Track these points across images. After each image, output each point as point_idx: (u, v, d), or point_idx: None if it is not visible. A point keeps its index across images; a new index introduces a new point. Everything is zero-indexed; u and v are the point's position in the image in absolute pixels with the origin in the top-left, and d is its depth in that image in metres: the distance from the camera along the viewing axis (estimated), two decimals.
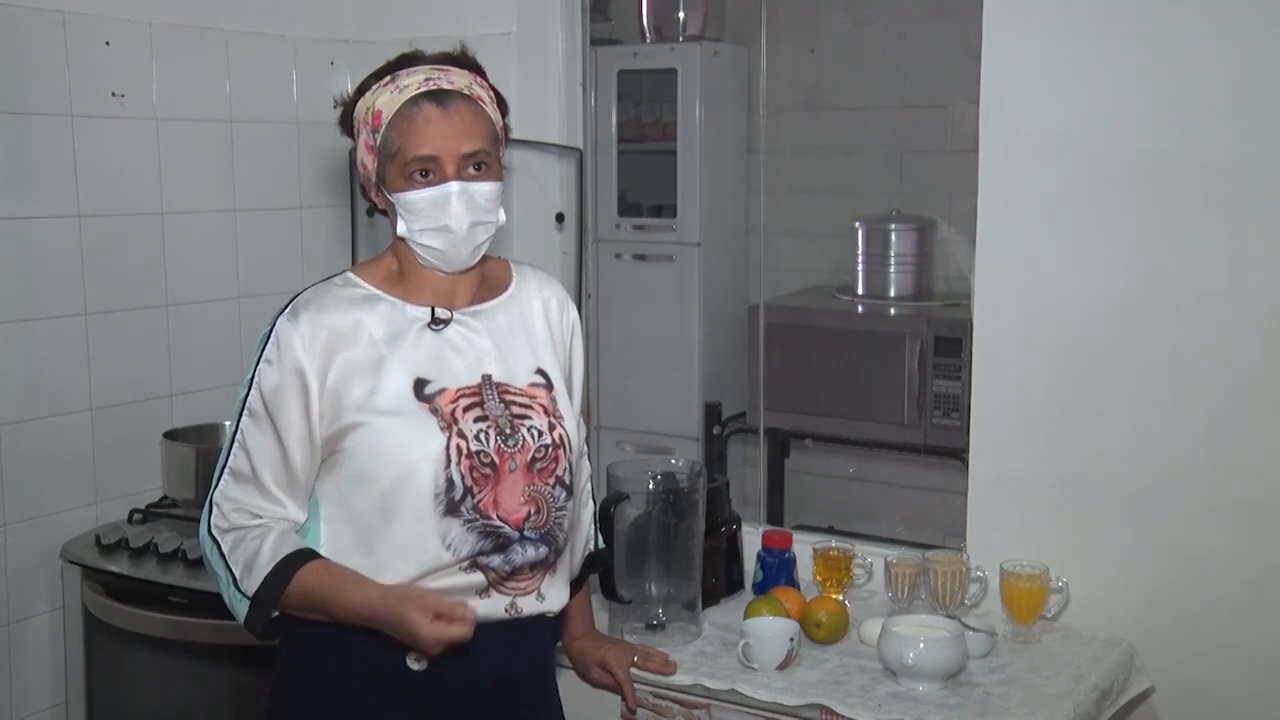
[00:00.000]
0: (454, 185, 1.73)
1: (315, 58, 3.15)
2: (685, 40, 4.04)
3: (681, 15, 4.07)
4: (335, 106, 1.85)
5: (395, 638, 1.67)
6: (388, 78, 1.77)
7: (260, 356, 1.74)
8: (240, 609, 1.72)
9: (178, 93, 2.86)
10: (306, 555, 1.71)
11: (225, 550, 1.72)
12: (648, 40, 4.12)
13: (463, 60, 1.81)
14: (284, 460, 1.73)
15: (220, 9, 2.93)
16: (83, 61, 2.66)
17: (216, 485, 1.75)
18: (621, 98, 4.07)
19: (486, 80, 1.82)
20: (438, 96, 1.74)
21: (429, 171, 1.73)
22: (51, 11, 2.61)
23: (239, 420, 1.75)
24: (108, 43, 2.71)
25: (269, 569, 1.69)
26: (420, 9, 3.09)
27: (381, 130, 1.74)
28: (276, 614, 1.73)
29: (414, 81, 1.75)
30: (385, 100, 1.75)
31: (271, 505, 1.74)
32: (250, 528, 1.72)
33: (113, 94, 2.73)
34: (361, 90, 1.80)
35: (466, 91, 1.76)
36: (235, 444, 1.75)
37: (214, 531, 1.74)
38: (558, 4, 2.97)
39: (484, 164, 1.76)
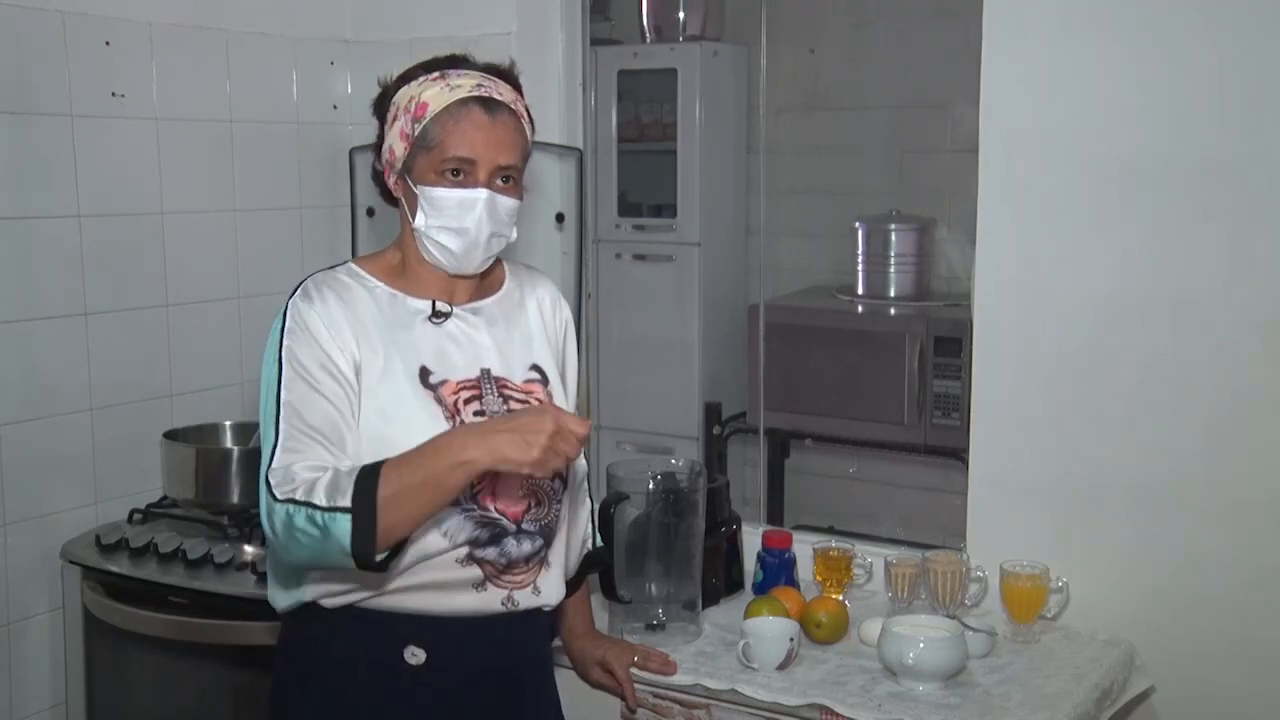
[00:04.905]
0: (483, 192, 1.74)
1: (315, 58, 3.15)
2: (685, 40, 4.05)
3: (681, 15, 4.07)
4: (378, 85, 1.85)
5: (497, 454, 1.56)
6: (437, 73, 1.78)
7: (282, 337, 1.72)
8: (342, 528, 1.57)
9: (178, 93, 2.85)
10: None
11: (302, 496, 1.60)
12: (648, 40, 4.12)
13: (508, 76, 1.83)
14: (336, 418, 1.68)
15: (220, 9, 2.93)
16: (83, 61, 2.66)
17: (269, 465, 1.65)
18: (621, 98, 4.07)
19: (524, 100, 1.83)
20: (487, 104, 1.76)
21: (461, 172, 1.74)
22: (51, 11, 2.60)
23: (277, 400, 1.68)
24: (108, 43, 2.70)
25: (355, 475, 1.60)
26: (420, 9, 3.08)
27: (424, 122, 1.75)
28: (382, 556, 1.61)
29: (466, 84, 1.76)
30: (433, 94, 1.75)
31: (331, 459, 1.67)
32: (318, 475, 1.63)
33: (113, 94, 2.73)
34: (406, 79, 1.81)
35: (512, 106, 1.79)
36: (281, 420, 1.67)
37: (279, 495, 1.61)
38: (558, 4, 2.97)
39: (512, 179, 1.78)
